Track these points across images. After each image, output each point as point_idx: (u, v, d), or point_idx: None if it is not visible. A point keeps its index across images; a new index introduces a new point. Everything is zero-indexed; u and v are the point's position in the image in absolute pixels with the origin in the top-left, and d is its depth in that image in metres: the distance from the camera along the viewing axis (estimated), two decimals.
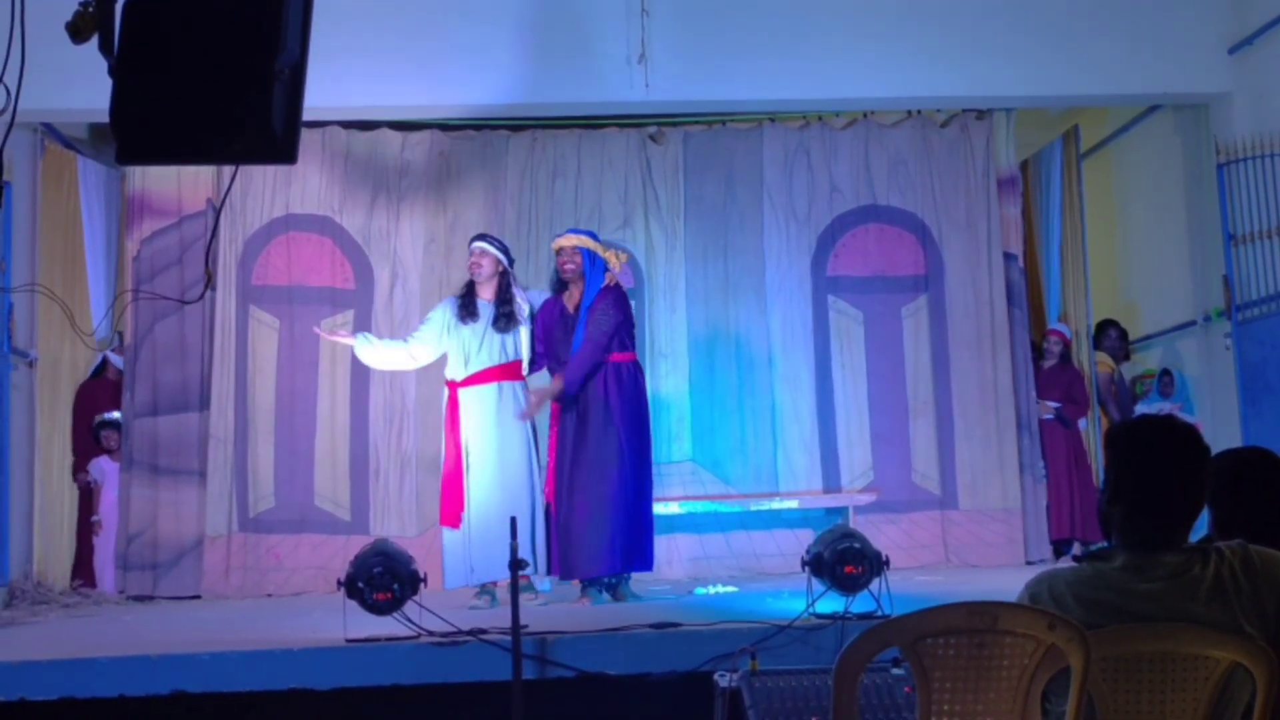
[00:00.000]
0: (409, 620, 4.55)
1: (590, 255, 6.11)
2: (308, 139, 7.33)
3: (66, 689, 4.30)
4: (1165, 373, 8.37)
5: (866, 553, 4.77)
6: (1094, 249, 8.63)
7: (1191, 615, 2.16)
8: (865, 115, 8.29)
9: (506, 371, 6.14)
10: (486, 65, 7.19)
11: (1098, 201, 9.01)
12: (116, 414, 7.76)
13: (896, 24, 7.37)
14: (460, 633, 4.49)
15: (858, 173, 8.21)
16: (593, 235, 6.30)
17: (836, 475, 7.96)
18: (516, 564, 4.17)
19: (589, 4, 7.26)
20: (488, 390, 6.09)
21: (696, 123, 8.24)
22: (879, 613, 4.59)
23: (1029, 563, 7.75)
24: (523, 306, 6.20)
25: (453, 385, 6.15)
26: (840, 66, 7.37)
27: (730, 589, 6.62)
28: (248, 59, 2.50)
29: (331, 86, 6.50)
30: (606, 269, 6.11)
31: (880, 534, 7.25)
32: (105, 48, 2.57)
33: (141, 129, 2.56)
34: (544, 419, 6.35)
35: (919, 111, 8.25)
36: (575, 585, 6.13)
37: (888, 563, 4.79)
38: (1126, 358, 8.93)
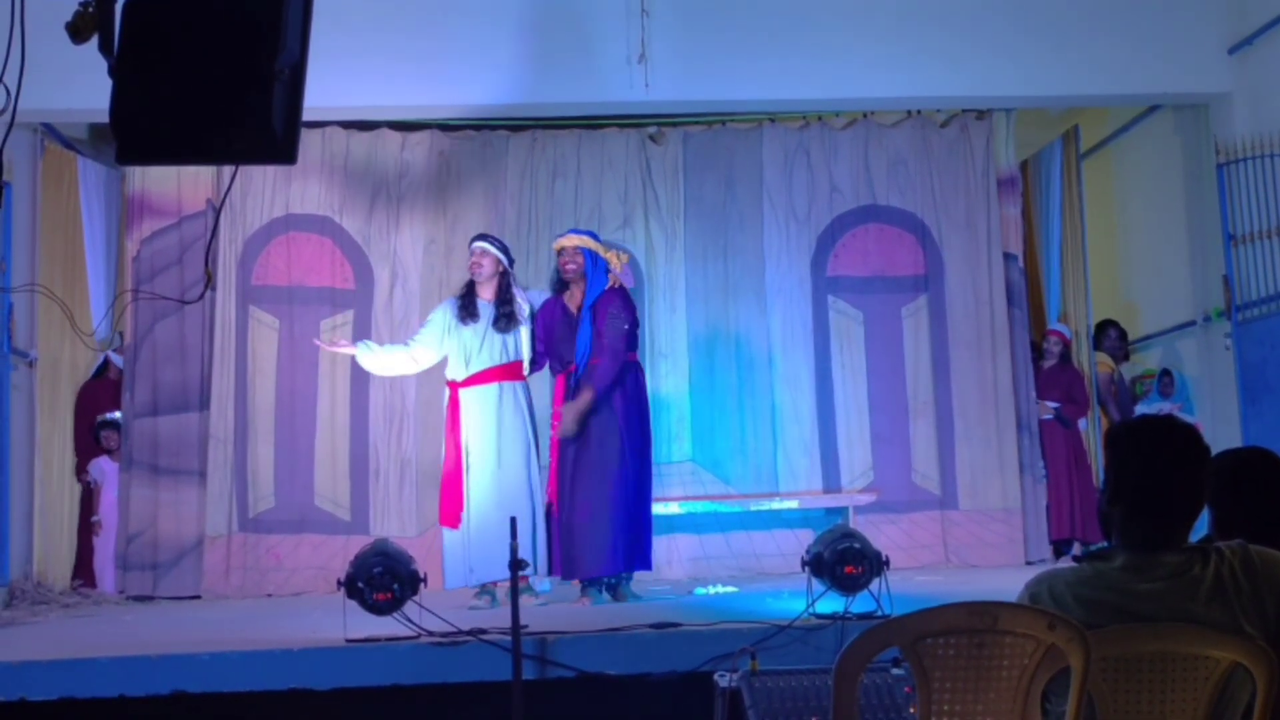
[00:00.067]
0: (409, 620, 4.55)
1: (592, 256, 6.11)
2: (308, 139, 7.35)
3: (66, 689, 4.30)
4: (1165, 373, 8.37)
5: (866, 553, 4.77)
6: (1094, 249, 8.64)
7: (1191, 615, 2.16)
8: (865, 115, 8.29)
9: (507, 372, 6.14)
10: (486, 65, 7.19)
11: (1098, 201, 9.01)
12: (117, 414, 7.76)
13: (896, 24, 7.37)
14: (460, 633, 4.49)
15: (858, 173, 8.21)
16: (594, 235, 6.30)
17: (836, 475, 7.96)
18: (516, 564, 4.17)
19: (589, 4, 7.26)
20: (488, 390, 6.09)
21: (696, 123, 8.24)
22: (879, 613, 4.59)
23: (1029, 563, 7.75)
24: (523, 306, 6.20)
25: (453, 385, 6.15)
26: (840, 66, 7.37)
27: (730, 589, 6.62)
28: (248, 59, 2.50)
29: (331, 86, 6.50)
30: (608, 270, 6.12)
31: (880, 534, 7.25)
32: (105, 48, 2.57)
33: (141, 129, 2.55)
34: (544, 419, 6.35)
35: (919, 111, 8.26)
36: (575, 585, 6.13)
37: (888, 563, 4.79)
38: (1126, 358, 8.93)
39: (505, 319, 6.11)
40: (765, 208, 8.17)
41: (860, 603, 4.70)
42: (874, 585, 4.74)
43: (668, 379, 7.96)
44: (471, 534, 5.94)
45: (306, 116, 2.68)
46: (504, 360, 6.13)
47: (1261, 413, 7.19)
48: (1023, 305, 8.27)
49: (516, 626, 4.10)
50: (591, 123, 8.11)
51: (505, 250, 6.27)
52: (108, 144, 6.46)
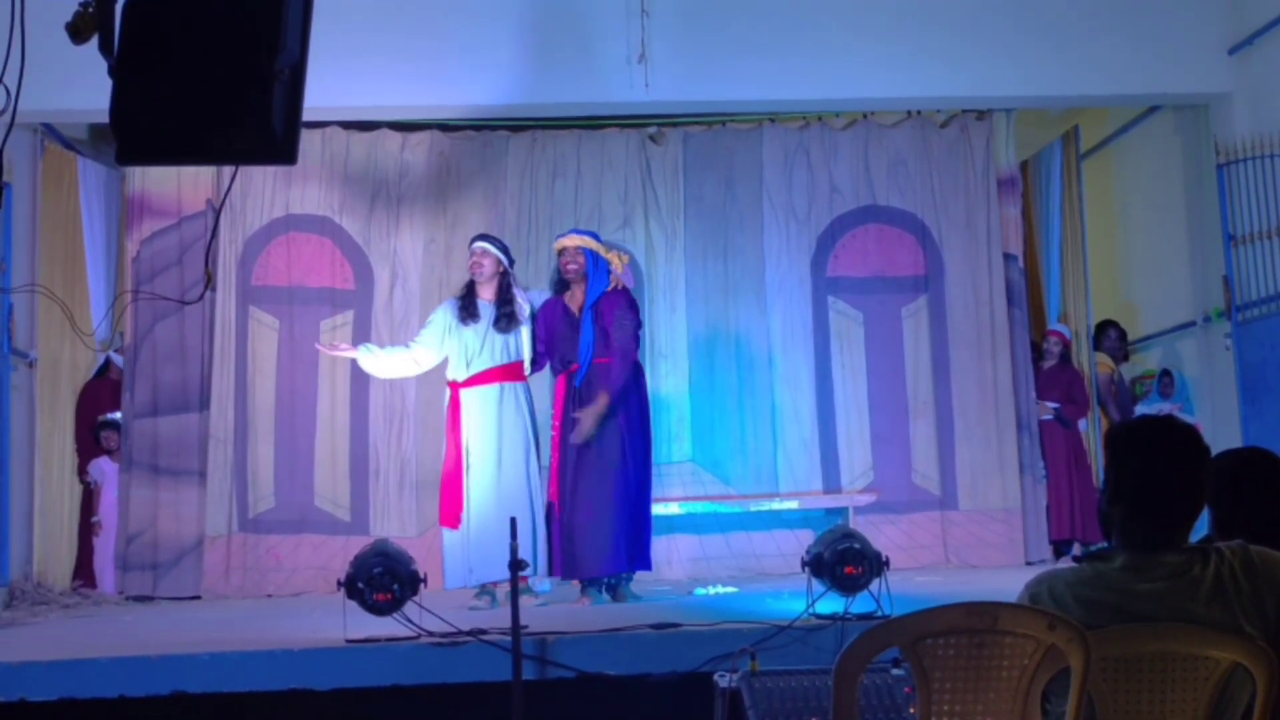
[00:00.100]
0: (409, 620, 4.55)
1: (593, 256, 6.12)
2: (308, 139, 7.34)
3: (66, 689, 4.30)
4: (1165, 373, 8.37)
5: (866, 553, 4.77)
6: (1094, 249, 8.64)
7: (1191, 615, 2.16)
8: (865, 115, 8.29)
9: (508, 372, 6.13)
10: (486, 65, 7.19)
11: (1098, 201, 9.01)
12: (117, 415, 7.76)
13: (896, 24, 7.37)
14: (460, 633, 4.49)
15: (857, 173, 8.21)
16: (595, 236, 6.31)
17: (836, 475, 7.96)
18: (516, 564, 4.17)
19: (589, 4, 7.26)
20: (489, 391, 6.08)
21: (696, 123, 8.24)
22: (879, 613, 4.59)
23: (1029, 563, 7.75)
24: (523, 306, 6.20)
25: (454, 386, 6.15)
26: (840, 66, 7.37)
27: (730, 589, 6.62)
28: (248, 59, 2.50)
29: (331, 86, 6.50)
30: (609, 270, 6.13)
31: (880, 534, 7.25)
32: (105, 48, 2.57)
33: (141, 129, 2.55)
34: (545, 419, 6.36)
35: (919, 112, 8.26)
36: (575, 586, 6.14)
37: (888, 563, 4.78)
38: (1126, 358, 8.93)
39: (506, 319, 6.11)
40: (765, 208, 8.17)
41: (860, 603, 4.70)
42: (874, 586, 4.74)
43: (668, 379, 7.96)
44: (471, 534, 5.94)
45: (306, 116, 2.68)
46: (505, 360, 6.13)
47: (1261, 413, 7.19)
48: (1023, 305, 8.27)
49: (516, 626, 4.10)
50: (591, 123, 8.11)
51: (505, 250, 6.28)
52: (108, 144, 6.46)
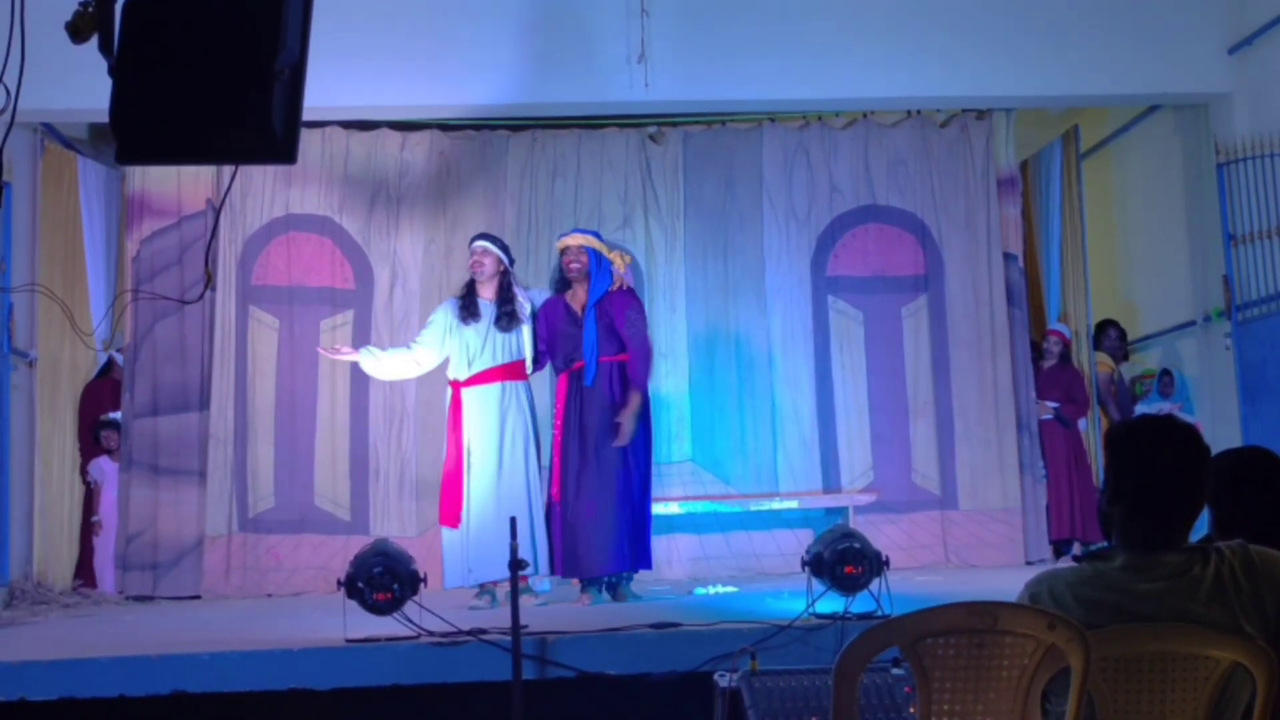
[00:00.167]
0: (409, 620, 4.56)
1: (596, 255, 6.13)
2: (308, 139, 7.34)
3: (66, 689, 4.30)
4: (1165, 373, 8.37)
5: (866, 553, 4.77)
6: (1094, 249, 8.64)
7: (1191, 615, 2.16)
8: (865, 115, 8.29)
9: (509, 371, 6.14)
10: (486, 65, 7.19)
11: (1098, 201, 9.01)
12: (116, 414, 7.76)
13: (896, 24, 7.37)
14: (460, 633, 4.49)
15: (857, 173, 8.21)
16: (598, 235, 6.32)
17: (836, 475, 7.96)
18: (516, 564, 4.17)
19: (589, 4, 7.26)
20: (490, 390, 6.09)
21: (696, 123, 8.24)
22: (879, 613, 4.60)
23: (1029, 563, 7.75)
24: (524, 305, 6.20)
25: (456, 385, 6.15)
26: (840, 66, 7.37)
27: (730, 589, 6.62)
28: (247, 59, 2.50)
29: (331, 86, 6.51)
30: (612, 270, 6.14)
31: (880, 534, 7.25)
32: (105, 48, 2.57)
33: (141, 129, 2.55)
34: (545, 419, 6.36)
35: (919, 111, 8.25)
36: (575, 585, 6.14)
37: (888, 563, 4.79)
38: (1126, 358, 8.93)
39: (507, 318, 6.11)
40: (765, 208, 8.17)
41: (860, 603, 4.70)
42: (874, 585, 4.74)
43: (668, 379, 7.95)
44: (471, 534, 5.94)
45: (306, 116, 2.68)
46: (506, 360, 6.13)
47: (1261, 413, 7.19)
48: (1023, 305, 8.27)
49: (516, 626, 4.10)
50: (591, 123, 8.11)
51: (506, 250, 6.28)
52: (108, 144, 6.46)
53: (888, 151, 8.23)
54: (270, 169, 7.48)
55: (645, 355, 6.11)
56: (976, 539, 7.85)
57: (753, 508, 7.71)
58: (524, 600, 4.70)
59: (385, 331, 7.80)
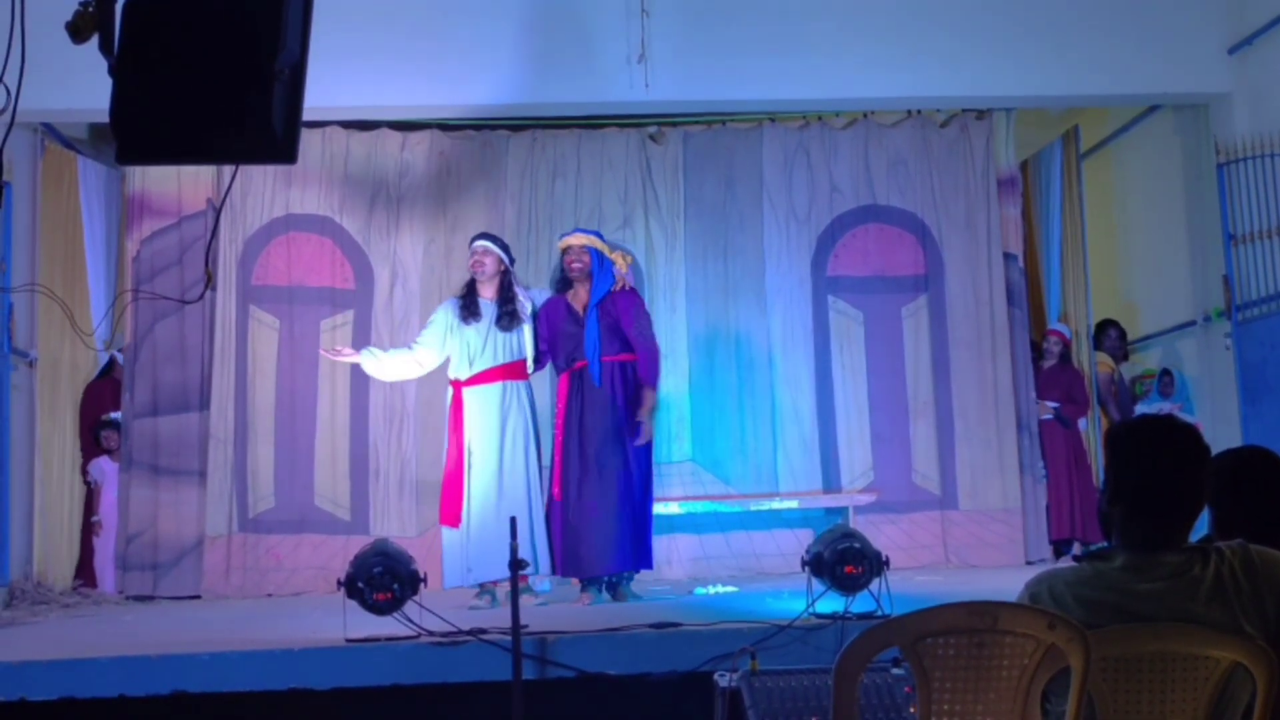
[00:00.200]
0: (409, 620, 4.55)
1: (598, 255, 6.13)
2: (308, 139, 7.34)
3: (66, 689, 4.30)
4: (1165, 373, 8.37)
5: (866, 553, 4.77)
6: (1094, 249, 8.64)
7: (1191, 615, 2.16)
8: (865, 115, 8.29)
9: (510, 371, 6.14)
10: (486, 65, 7.19)
11: (1098, 201, 9.01)
12: (116, 414, 7.76)
13: (896, 24, 7.37)
14: (460, 633, 4.49)
15: (857, 173, 8.21)
16: (599, 236, 6.33)
17: (836, 475, 7.96)
18: (516, 564, 4.17)
19: (589, 4, 7.26)
20: (492, 390, 6.09)
21: (696, 123, 8.24)
22: (879, 613, 4.59)
23: (1029, 563, 7.75)
24: (525, 305, 6.20)
25: (457, 385, 6.15)
26: (840, 66, 7.37)
27: (730, 589, 6.62)
28: (247, 59, 2.50)
29: (331, 86, 6.50)
30: (614, 270, 6.14)
31: (880, 534, 7.25)
32: (105, 48, 2.57)
33: (141, 129, 2.55)
34: (546, 418, 6.36)
35: (919, 111, 8.25)
36: (575, 584, 6.14)
37: (888, 563, 4.79)
38: (1126, 358, 8.93)
39: (508, 317, 6.11)
40: (765, 208, 8.17)
41: (860, 603, 4.70)
42: (874, 585, 4.74)
43: (668, 379, 7.90)
44: (471, 534, 5.94)
45: (306, 116, 2.68)
46: (507, 359, 6.13)
47: (1261, 413, 7.19)
48: (1023, 305, 8.27)
49: (516, 626, 4.10)
50: (591, 123, 8.11)
51: (506, 249, 6.28)
52: (108, 144, 6.46)
53: (888, 151, 8.23)
54: (270, 169, 7.48)
55: (655, 354, 6.14)
56: (976, 539, 7.85)
57: (753, 508, 7.71)
58: (524, 600, 4.70)
59: (385, 332, 7.80)
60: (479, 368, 6.10)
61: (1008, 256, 8.21)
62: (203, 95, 2.50)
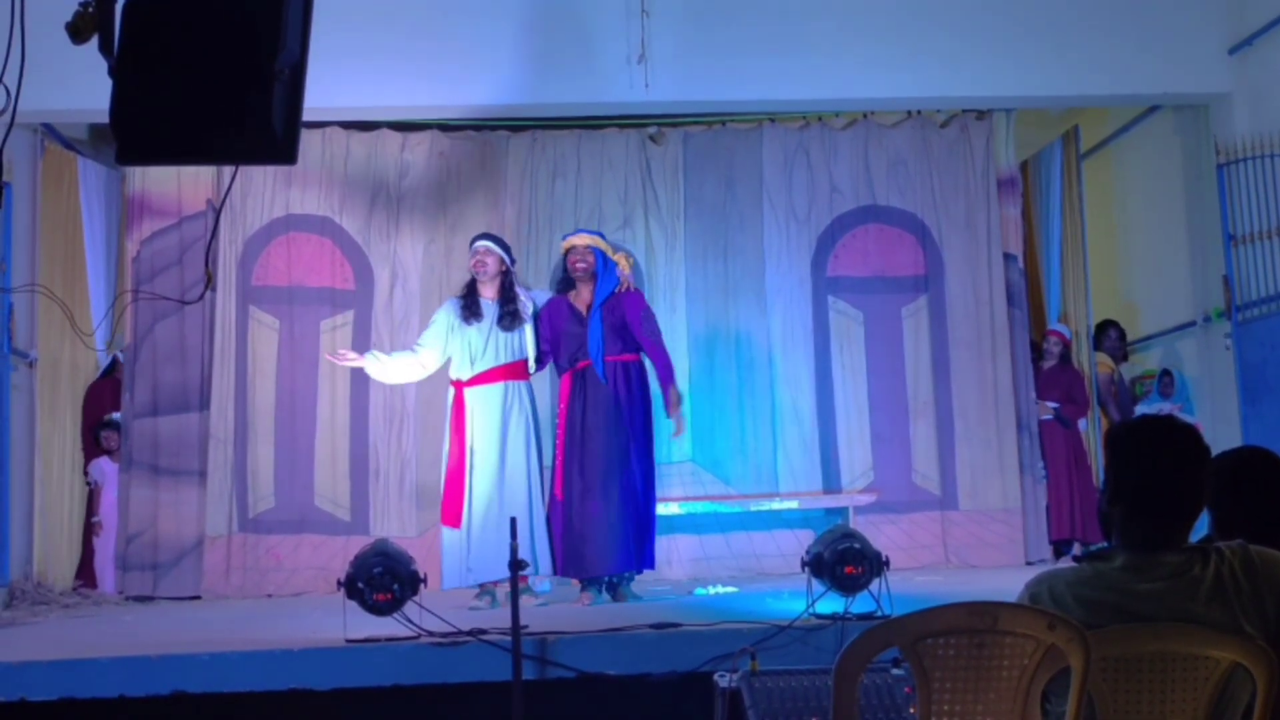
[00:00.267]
0: (409, 620, 4.55)
1: (602, 255, 6.14)
2: (308, 139, 7.34)
3: (66, 689, 4.30)
4: (1165, 373, 8.37)
5: (866, 553, 4.77)
6: (1094, 249, 8.64)
7: (1191, 615, 2.16)
8: (865, 115, 8.29)
9: (512, 371, 6.13)
10: (486, 65, 7.19)
11: (1098, 201, 9.01)
12: (116, 415, 7.76)
13: (896, 24, 7.37)
14: (460, 633, 4.49)
15: (857, 173, 8.21)
16: (602, 236, 6.34)
17: (836, 475, 7.95)
18: (516, 564, 4.17)
19: (589, 4, 7.26)
20: (493, 390, 6.09)
21: (696, 123, 8.24)
22: (879, 613, 4.60)
23: (1029, 563, 7.75)
24: (526, 305, 6.20)
25: (458, 385, 6.14)
26: (840, 66, 7.37)
27: (730, 589, 6.62)
28: (247, 59, 2.50)
29: (331, 86, 6.50)
30: (617, 270, 6.15)
31: (880, 534, 7.25)
32: (105, 48, 2.57)
33: (141, 129, 2.55)
34: (547, 418, 6.36)
35: (919, 112, 8.25)
36: (575, 585, 6.14)
37: (888, 563, 4.78)
38: (1126, 358, 8.93)
39: (510, 317, 6.11)
40: (765, 208, 8.17)
41: (860, 603, 4.70)
42: (874, 585, 4.74)
43: None
44: (471, 534, 5.94)
45: (306, 116, 2.68)
46: (508, 359, 6.13)
47: (1261, 413, 7.19)
48: (1023, 305, 8.27)
49: (516, 626, 4.10)
50: (591, 123, 8.11)
51: (507, 250, 6.28)
52: (108, 144, 6.46)
53: (888, 152, 8.23)
54: (270, 169, 7.48)
55: (666, 351, 6.18)
56: (976, 539, 7.85)
57: (753, 508, 7.71)
58: (524, 600, 4.70)
59: (385, 332, 7.80)
60: (480, 368, 6.10)
61: (1008, 257, 8.21)
62: (203, 95, 2.50)
